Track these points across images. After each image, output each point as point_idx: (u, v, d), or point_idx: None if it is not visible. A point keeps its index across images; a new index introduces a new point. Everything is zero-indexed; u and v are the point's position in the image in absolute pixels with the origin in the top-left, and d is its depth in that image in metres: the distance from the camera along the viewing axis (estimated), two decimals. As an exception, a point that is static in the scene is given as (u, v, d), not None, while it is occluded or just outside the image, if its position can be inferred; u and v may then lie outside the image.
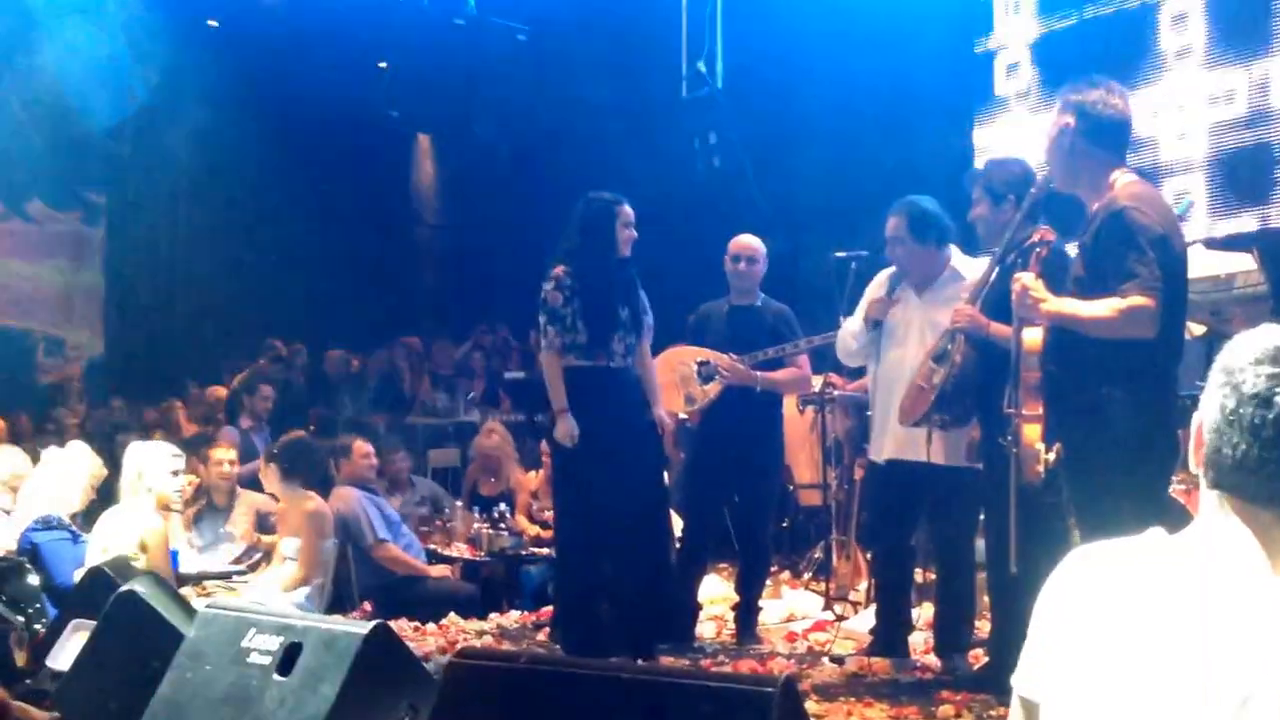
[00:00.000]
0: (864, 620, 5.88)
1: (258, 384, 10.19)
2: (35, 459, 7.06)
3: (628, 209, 5.64)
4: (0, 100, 9.92)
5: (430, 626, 6.59)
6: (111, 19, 8.01)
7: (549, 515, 7.82)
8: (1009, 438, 4.08)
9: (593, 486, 5.45)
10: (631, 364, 5.64)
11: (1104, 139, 4.04)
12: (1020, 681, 1.56)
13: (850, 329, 5.50)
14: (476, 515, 8.04)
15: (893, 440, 5.26)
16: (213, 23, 13.78)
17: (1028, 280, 4.04)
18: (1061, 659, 1.47)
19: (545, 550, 7.74)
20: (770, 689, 2.74)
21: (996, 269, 4.77)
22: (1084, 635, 1.45)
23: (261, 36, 13.11)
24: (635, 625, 5.50)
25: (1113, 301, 3.80)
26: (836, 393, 6.70)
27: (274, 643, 3.23)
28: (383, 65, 10.03)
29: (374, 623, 3.24)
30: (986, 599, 5.34)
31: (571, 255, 5.60)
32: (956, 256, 5.39)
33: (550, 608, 7.07)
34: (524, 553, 7.79)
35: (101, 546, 5.77)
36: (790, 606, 6.78)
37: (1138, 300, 3.76)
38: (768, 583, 6.70)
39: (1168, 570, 1.43)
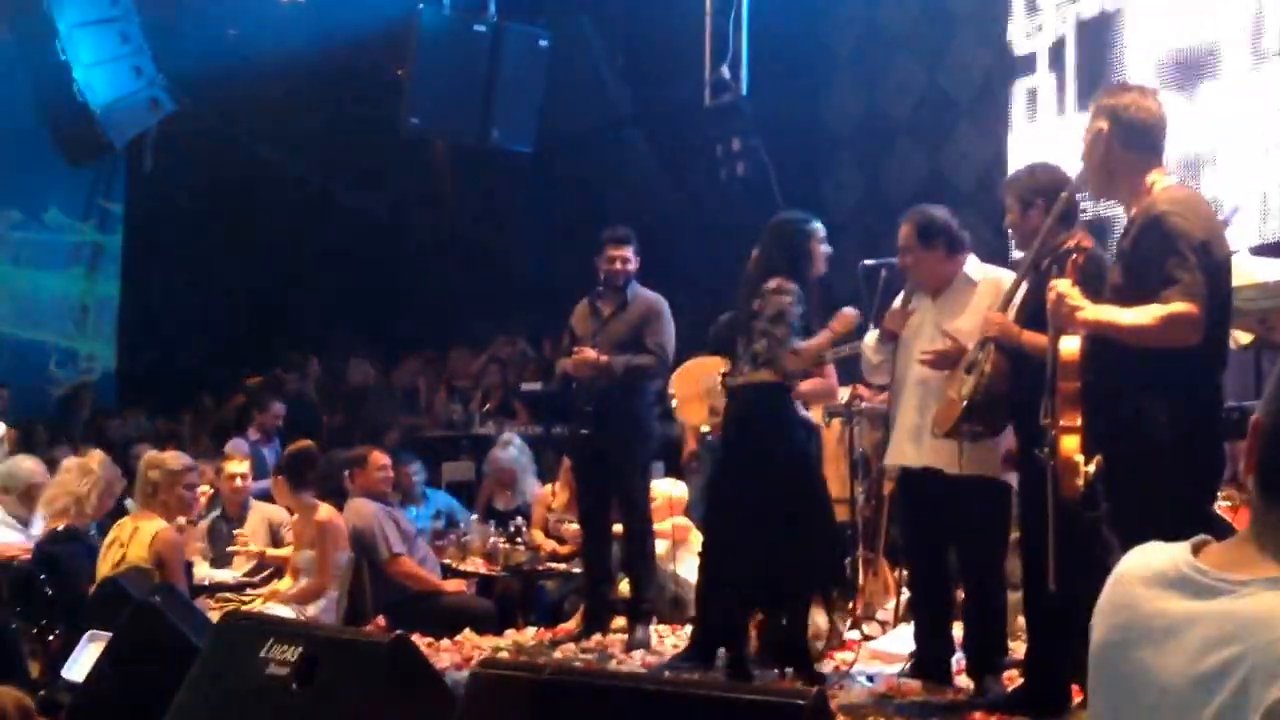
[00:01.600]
0: (893, 640, 5.77)
1: (270, 401, 10.12)
2: (52, 469, 7.02)
3: (820, 226, 5.68)
4: (20, 108, 9.90)
5: (445, 642, 6.49)
6: (136, 29, 7.98)
7: (566, 529, 7.73)
8: (1046, 450, 3.98)
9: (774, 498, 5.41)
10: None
11: (1139, 142, 3.97)
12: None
13: (869, 344, 5.46)
14: (492, 529, 7.95)
15: (910, 447, 5.15)
16: (232, 31, 13.82)
17: (1064, 288, 3.95)
18: (1098, 667, 1.45)
19: (562, 565, 7.64)
20: (801, 701, 2.64)
21: (1027, 276, 4.69)
22: (1115, 644, 1.42)
23: (280, 45, 13.11)
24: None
25: (1153, 309, 3.71)
26: (863, 405, 6.58)
27: (293, 653, 3.14)
28: (400, 72, 9.99)
29: (395, 634, 3.15)
30: (1020, 619, 5.22)
31: (783, 273, 5.53)
32: (973, 264, 5.29)
33: (567, 624, 6.98)
34: (540, 568, 7.68)
35: (115, 557, 5.71)
36: (816, 625, 6.65)
37: (1179, 307, 3.67)
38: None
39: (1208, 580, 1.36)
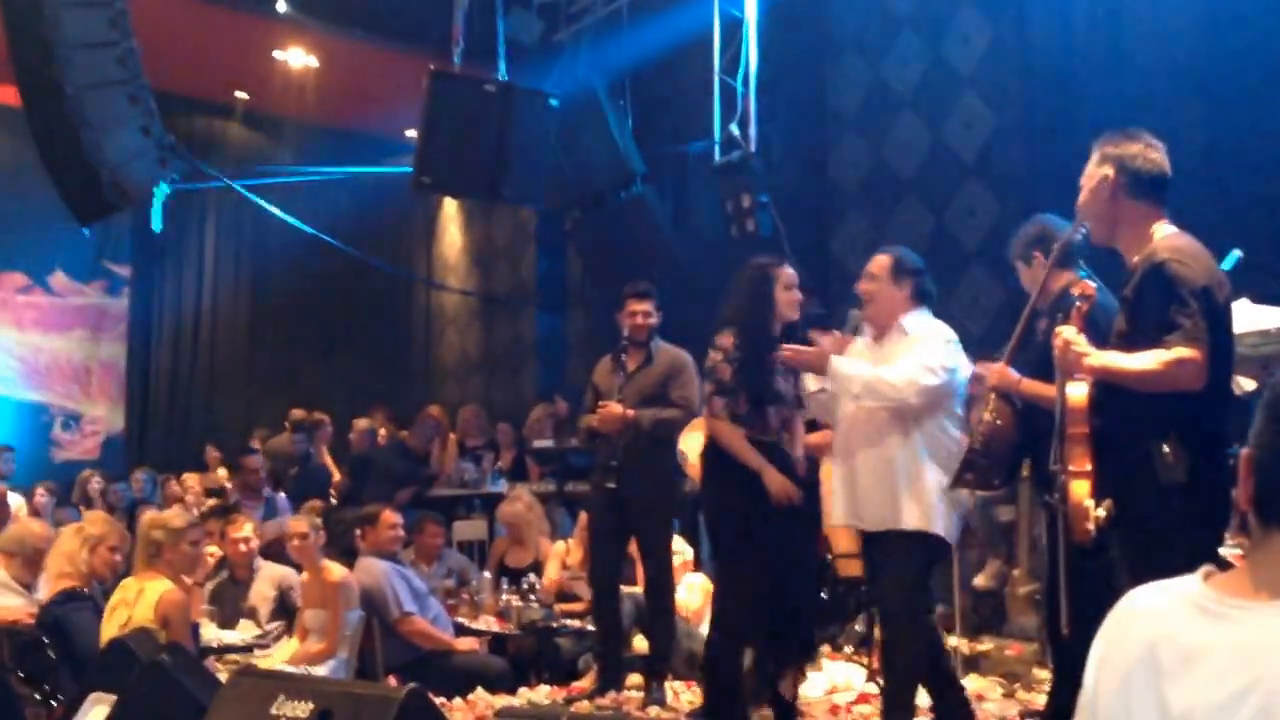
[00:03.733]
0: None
1: (243, 458, 10.13)
2: (57, 532, 7.00)
3: (788, 271, 5.39)
4: (27, 171, 9.99)
5: (457, 702, 6.43)
6: (144, 91, 8.04)
7: (580, 586, 7.67)
8: (1056, 495, 3.96)
9: (748, 559, 5.22)
10: (784, 439, 5.36)
11: (1144, 191, 3.98)
12: None
13: (813, 387, 5.29)
14: (505, 587, 7.90)
15: (837, 508, 5.04)
16: (241, 94, 13.99)
17: (1070, 335, 3.95)
18: (1112, 702, 1.44)
19: (576, 623, 7.58)
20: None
21: (1028, 324, 4.69)
22: (1131, 676, 1.42)
23: (289, 106, 13.25)
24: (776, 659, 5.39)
25: (1157, 353, 3.71)
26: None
27: (304, 709, 3.11)
28: (410, 133, 10.08)
29: (409, 687, 3.12)
30: (1035, 670, 5.16)
31: (734, 323, 5.35)
32: (922, 318, 5.04)
33: (581, 682, 6.92)
34: (554, 625, 7.62)
35: (121, 619, 5.65)
36: (832, 679, 6.59)
37: (1182, 352, 3.68)
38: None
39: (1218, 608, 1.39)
